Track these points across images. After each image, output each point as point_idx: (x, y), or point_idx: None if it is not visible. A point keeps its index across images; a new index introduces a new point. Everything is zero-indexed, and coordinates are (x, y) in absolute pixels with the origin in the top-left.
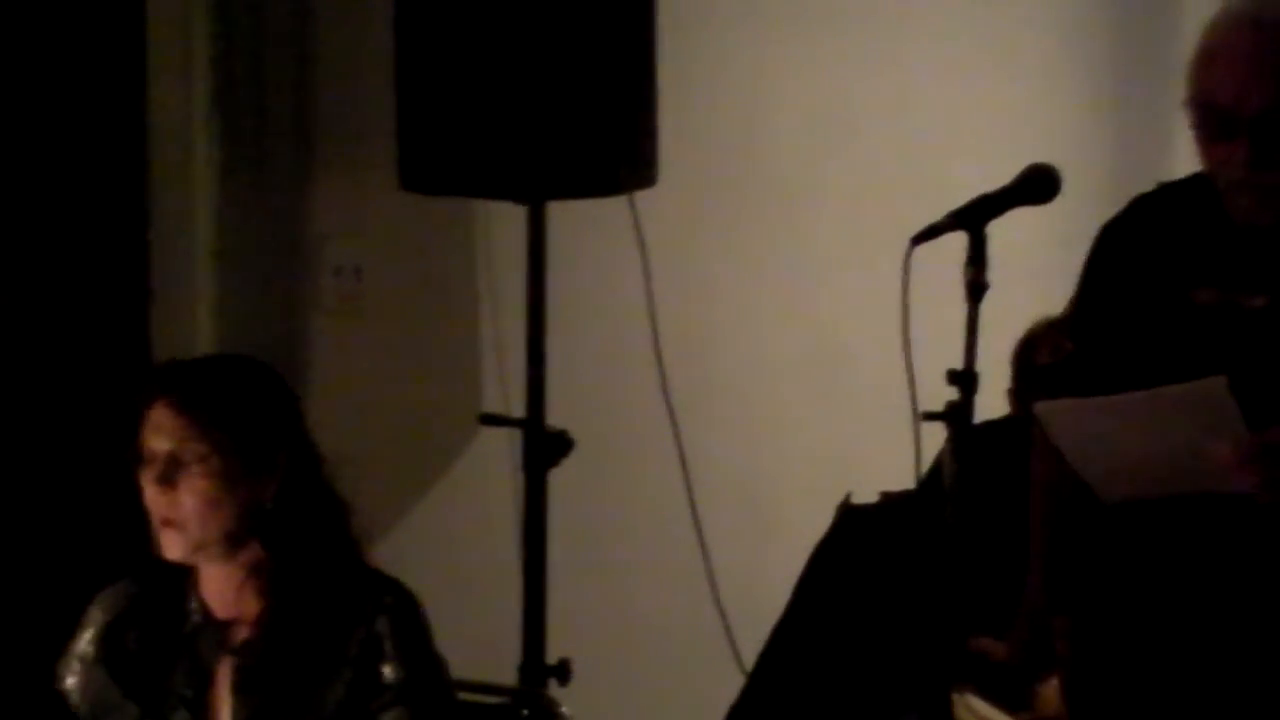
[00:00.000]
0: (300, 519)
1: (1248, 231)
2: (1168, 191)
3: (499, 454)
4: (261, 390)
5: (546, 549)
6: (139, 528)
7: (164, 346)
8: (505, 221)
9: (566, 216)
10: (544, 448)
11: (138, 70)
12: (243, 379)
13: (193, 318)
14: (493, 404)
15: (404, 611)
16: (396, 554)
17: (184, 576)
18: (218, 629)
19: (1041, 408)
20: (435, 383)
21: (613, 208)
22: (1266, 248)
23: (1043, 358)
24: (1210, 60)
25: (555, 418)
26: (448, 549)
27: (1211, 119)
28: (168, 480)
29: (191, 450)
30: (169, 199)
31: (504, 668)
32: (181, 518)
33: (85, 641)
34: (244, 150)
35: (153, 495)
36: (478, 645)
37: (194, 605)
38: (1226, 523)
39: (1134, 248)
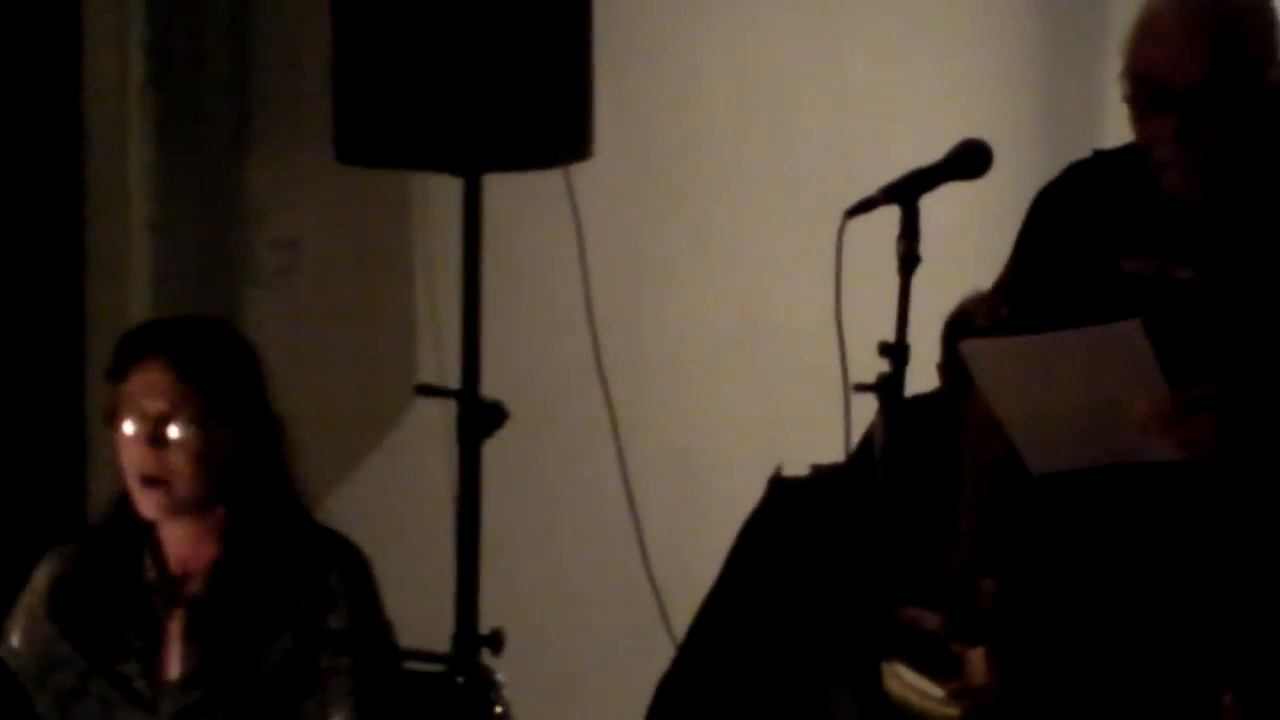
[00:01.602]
0: (264, 476)
1: (1176, 204)
2: (1103, 159)
3: (434, 425)
4: (239, 350)
5: (480, 519)
6: (76, 492)
7: (99, 318)
8: (441, 194)
9: (502, 189)
10: (479, 419)
11: (73, 43)
12: (224, 339)
13: (128, 290)
14: (428, 375)
15: (355, 568)
16: (331, 523)
17: (139, 534)
18: (171, 583)
19: (966, 345)
20: (371, 354)
21: (548, 181)
22: (1195, 220)
23: (980, 320)
24: (1146, 33)
25: (490, 389)
26: (382, 519)
27: (1144, 92)
28: (158, 439)
29: (185, 410)
30: (105, 171)
31: (438, 637)
32: (170, 476)
33: (32, 596)
34: (180, 123)
35: (139, 454)
36: (412, 614)
37: (149, 562)
38: (1150, 489)
39: (1067, 214)
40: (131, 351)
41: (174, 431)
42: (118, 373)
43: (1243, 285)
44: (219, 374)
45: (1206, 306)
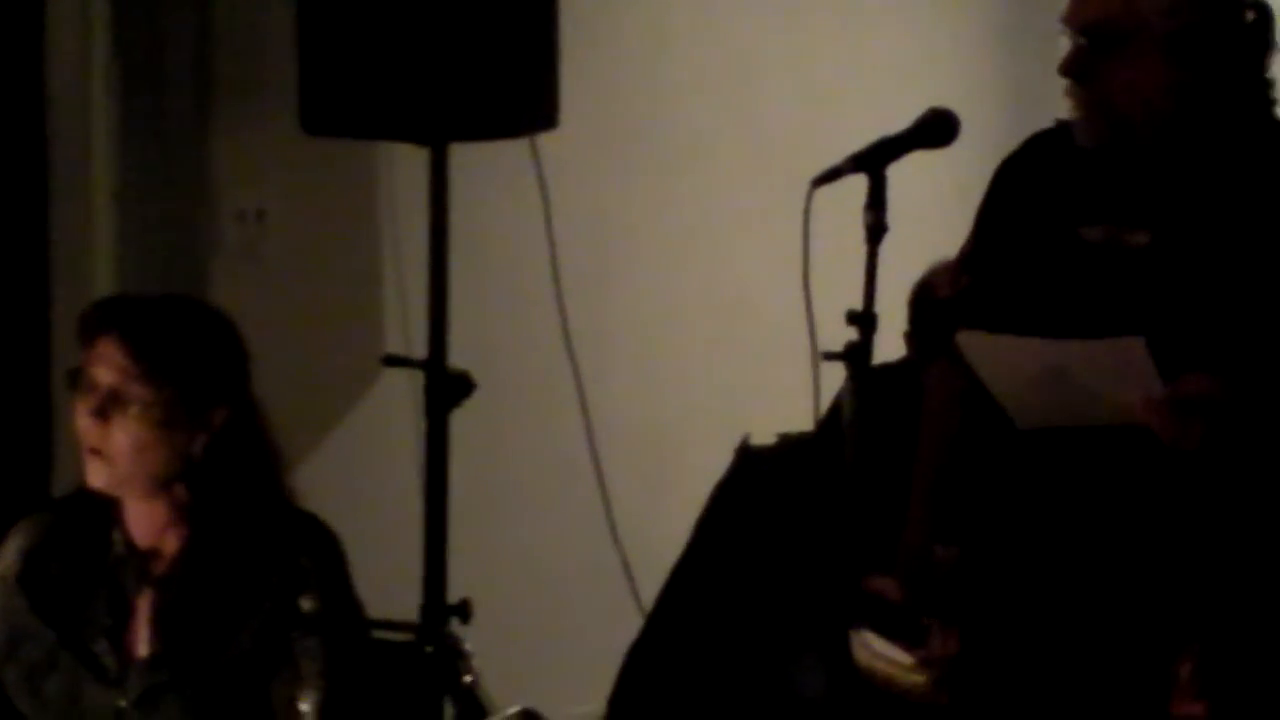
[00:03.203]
0: (228, 471)
1: (1134, 167)
2: (1064, 129)
3: (401, 395)
4: (209, 340)
5: (448, 489)
6: (42, 464)
7: (63, 290)
8: (407, 164)
9: (468, 159)
10: (446, 389)
11: (36, 17)
12: (193, 328)
13: (93, 261)
14: (395, 345)
15: (326, 548)
16: (302, 500)
17: (108, 508)
18: (140, 560)
19: (962, 337)
20: (337, 325)
21: (514, 151)
22: (1153, 184)
23: (942, 291)
24: None
25: (457, 359)
26: (350, 489)
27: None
28: (103, 414)
29: (133, 391)
30: (68, 144)
31: (406, 607)
32: (110, 452)
33: (3, 568)
34: (144, 93)
35: (85, 424)
36: (380, 584)
37: (117, 536)
38: (1112, 458)
39: (1029, 184)
40: (94, 321)
41: (120, 408)
42: (83, 338)
43: (1199, 249)
44: (179, 365)
45: (1162, 271)
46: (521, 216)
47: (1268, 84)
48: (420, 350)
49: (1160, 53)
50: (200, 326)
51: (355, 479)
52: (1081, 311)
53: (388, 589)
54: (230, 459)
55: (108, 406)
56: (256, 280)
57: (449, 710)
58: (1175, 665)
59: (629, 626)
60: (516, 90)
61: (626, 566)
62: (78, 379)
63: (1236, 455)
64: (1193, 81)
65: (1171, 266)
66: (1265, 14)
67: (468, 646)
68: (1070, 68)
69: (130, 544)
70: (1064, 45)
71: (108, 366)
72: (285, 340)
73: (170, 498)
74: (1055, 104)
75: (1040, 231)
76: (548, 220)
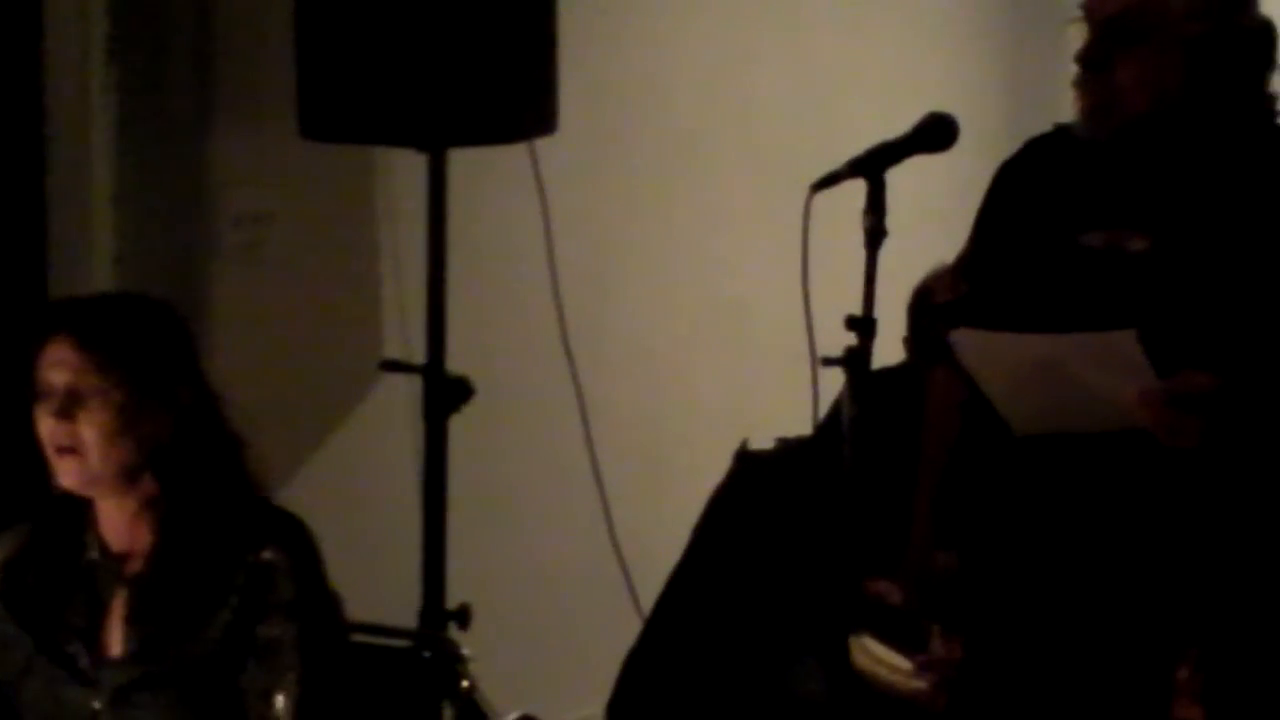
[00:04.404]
0: (195, 455)
1: (1134, 171)
2: (1062, 133)
3: (400, 400)
4: (157, 327)
5: (446, 495)
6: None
7: (62, 293)
8: (406, 169)
9: (467, 164)
10: (444, 394)
11: (34, 17)
12: (139, 316)
13: (91, 265)
14: (393, 350)
15: (297, 542)
16: (297, 501)
17: (81, 512)
18: (113, 562)
19: (956, 336)
20: (336, 329)
21: (513, 156)
22: (1152, 189)
23: (940, 296)
24: None
25: (455, 364)
26: (349, 495)
27: (1085, 28)
28: (66, 414)
29: (90, 384)
30: (67, 145)
31: (405, 613)
32: (81, 448)
33: None
34: (143, 97)
35: (50, 427)
36: (379, 590)
37: (90, 539)
38: (1127, 458)
39: (1027, 189)
40: (41, 327)
41: (81, 405)
42: (32, 348)
43: (1198, 254)
44: (126, 348)
45: (1161, 276)
46: (520, 222)
47: (1270, 97)
48: (419, 355)
49: (1178, 51)
50: (143, 313)
51: (354, 484)
52: (1079, 317)
53: (386, 594)
54: (196, 444)
55: (69, 405)
56: (255, 284)
57: (448, 716)
58: (1174, 670)
59: (628, 631)
60: (515, 95)
61: (625, 571)
62: (37, 391)
63: (1234, 456)
64: (1203, 84)
65: (1171, 272)
66: (1271, 32)
67: (466, 652)
68: (1086, 56)
69: (104, 546)
70: (1072, 39)
71: (61, 367)
72: (284, 344)
73: (140, 492)
74: (1055, 107)
75: (1039, 236)
76: (546, 225)
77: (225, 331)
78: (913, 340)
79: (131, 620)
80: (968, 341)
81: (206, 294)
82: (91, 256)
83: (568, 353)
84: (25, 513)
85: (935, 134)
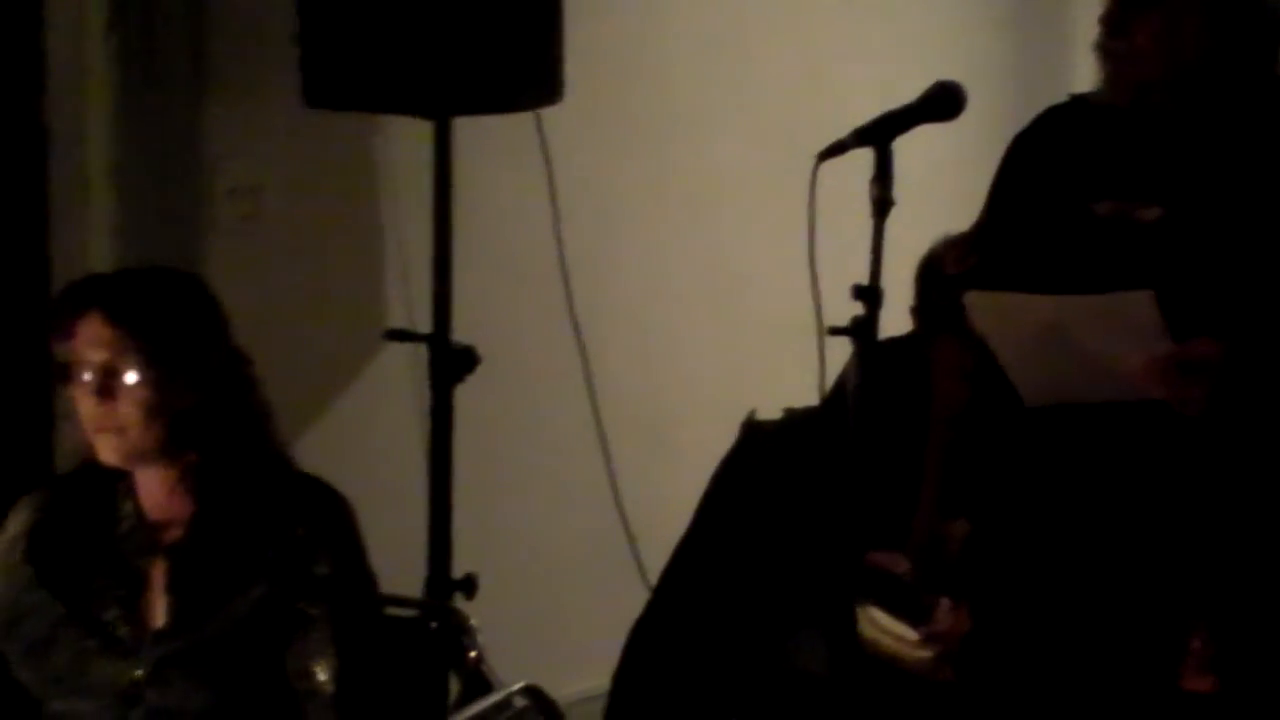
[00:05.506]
0: (232, 423)
1: (1149, 140)
2: (1079, 103)
3: (405, 370)
4: (188, 298)
5: (452, 464)
6: (44, 442)
7: (62, 265)
8: (410, 138)
9: (472, 133)
10: (450, 363)
11: None
12: (168, 288)
13: (90, 237)
14: (398, 320)
15: (338, 515)
16: (313, 471)
17: (115, 480)
18: (150, 531)
19: (971, 297)
20: (341, 299)
21: (518, 124)
22: (1166, 158)
23: (950, 267)
24: None
25: (461, 334)
26: (354, 465)
27: None
28: (106, 392)
29: (127, 360)
30: (66, 117)
31: (410, 583)
32: (121, 426)
33: (5, 543)
34: (140, 67)
35: (90, 408)
36: (384, 560)
37: (127, 508)
38: (1123, 434)
39: (1042, 158)
40: (69, 306)
41: (120, 381)
42: (60, 329)
43: (1210, 224)
44: (160, 321)
45: (1173, 246)
46: (525, 191)
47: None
48: (423, 325)
49: (1199, 16)
50: (172, 285)
51: (359, 455)
52: (1091, 286)
53: (392, 565)
54: (233, 412)
55: (108, 383)
56: (258, 255)
57: (454, 686)
58: (1185, 640)
59: (634, 602)
60: (521, 64)
61: (631, 542)
62: (67, 370)
63: (1242, 426)
64: (1220, 51)
65: (1182, 241)
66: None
67: (473, 622)
68: (1109, 19)
69: (140, 515)
70: (1079, 23)
71: (95, 344)
72: (288, 316)
73: (181, 462)
74: (1061, 78)
75: (1052, 206)
76: (552, 194)
77: (228, 303)
78: (920, 310)
79: (172, 589)
80: (982, 303)
81: (208, 265)
82: (91, 228)
83: (574, 321)
84: (33, 482)
85: (943, 103)
